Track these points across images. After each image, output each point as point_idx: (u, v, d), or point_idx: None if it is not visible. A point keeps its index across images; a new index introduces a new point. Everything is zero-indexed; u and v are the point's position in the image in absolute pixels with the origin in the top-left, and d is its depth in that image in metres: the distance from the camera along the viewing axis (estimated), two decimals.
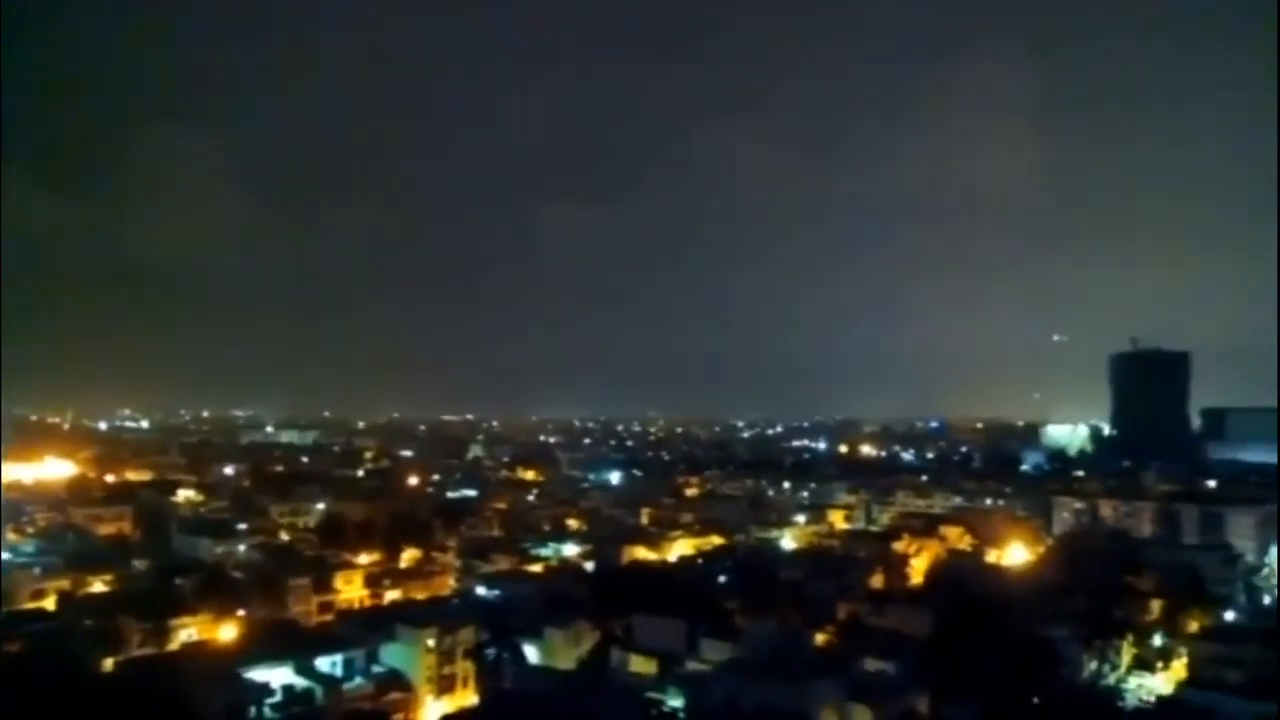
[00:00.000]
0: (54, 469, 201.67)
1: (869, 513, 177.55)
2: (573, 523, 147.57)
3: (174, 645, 73.64)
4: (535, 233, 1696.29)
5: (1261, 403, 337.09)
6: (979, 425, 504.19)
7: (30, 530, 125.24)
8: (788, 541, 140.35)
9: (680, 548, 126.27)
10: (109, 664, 66.11)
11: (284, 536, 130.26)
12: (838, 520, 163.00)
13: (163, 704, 53.46)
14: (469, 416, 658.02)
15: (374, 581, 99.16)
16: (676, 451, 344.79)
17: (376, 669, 68.62)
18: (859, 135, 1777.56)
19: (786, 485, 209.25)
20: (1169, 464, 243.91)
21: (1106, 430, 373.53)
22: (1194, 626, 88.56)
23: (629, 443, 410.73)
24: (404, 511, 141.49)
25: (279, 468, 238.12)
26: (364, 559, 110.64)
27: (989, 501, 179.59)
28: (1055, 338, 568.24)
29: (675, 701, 60.29)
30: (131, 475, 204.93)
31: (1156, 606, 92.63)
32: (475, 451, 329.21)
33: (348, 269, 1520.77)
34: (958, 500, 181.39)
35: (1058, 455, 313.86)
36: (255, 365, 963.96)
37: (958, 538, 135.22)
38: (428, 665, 69.41)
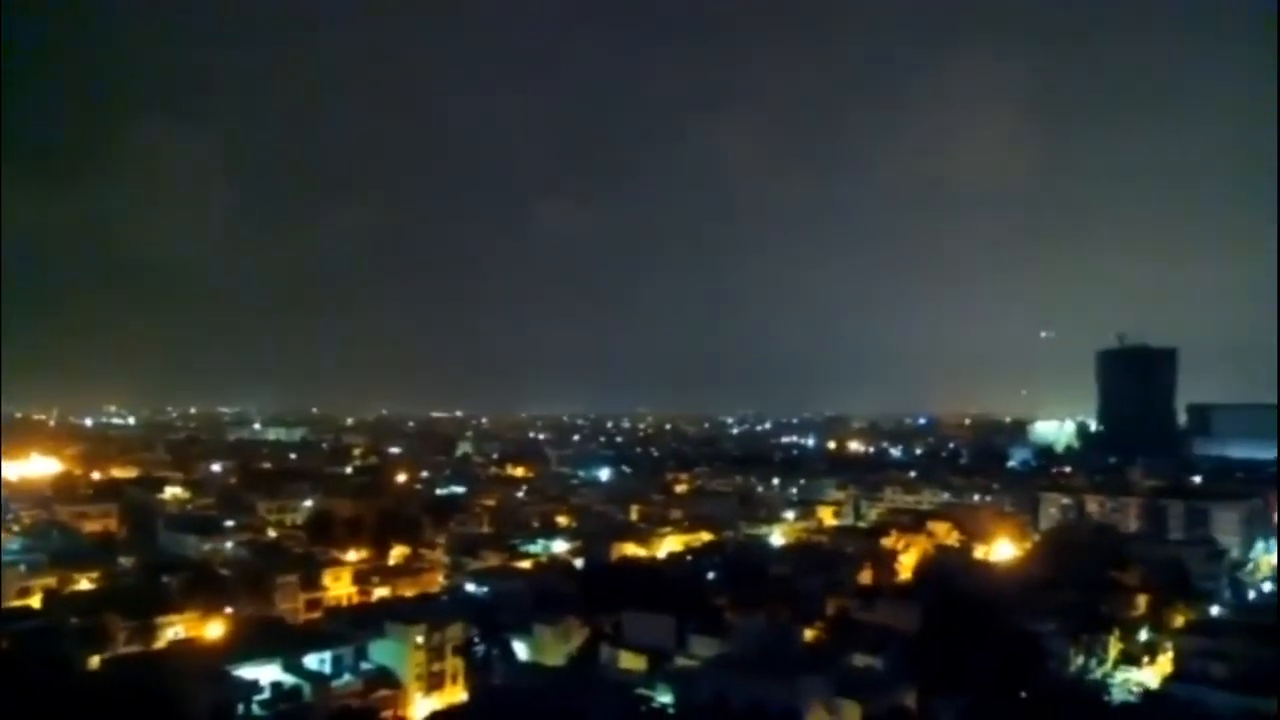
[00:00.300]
0: (40, 466, 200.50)
1: (858, 509, 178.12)
2: (562, 519, 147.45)
3: (161, 643, 73.27)
4: (525, 230, 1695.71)
5: (1247, 399, 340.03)
6: (967, 421, 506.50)
7: (16, 528, 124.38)
8: (777, 537, 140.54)
9: (670, 544, 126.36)
10: (95, 662, 65.86)
11: (272, 534, 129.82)
12: (827, 516, 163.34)
13: (150, 702, 53.22)
14: (458, 413, 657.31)
15: (362, 578, 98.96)
16: (666, 448, 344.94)
17: (365, 666, 68.48)
18: (849, 132, 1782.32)
19: (776, 481, 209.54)
20: (1155, 460, 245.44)
21: (1093, 426, 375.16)
22: (1180, 621, 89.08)
23: (618, 439, 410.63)
24: (393, 508, 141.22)
25: (266, 465, 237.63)
26: (352, 556, 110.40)
27: (977, 497, 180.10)
28: (1043, 334, 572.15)
29: (665, 698, 60.36)
30: (118, 472, 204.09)
31: (1142, 601, 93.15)
32: (464, 448, 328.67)
33: (336, 266, 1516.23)
34: (946, 496, 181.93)
35: (1045, 451, 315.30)
36: (243, 362, 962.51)
37: (945, 533, 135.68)
38: (417, 662, 69.30)
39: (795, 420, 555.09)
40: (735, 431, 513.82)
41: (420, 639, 69.76)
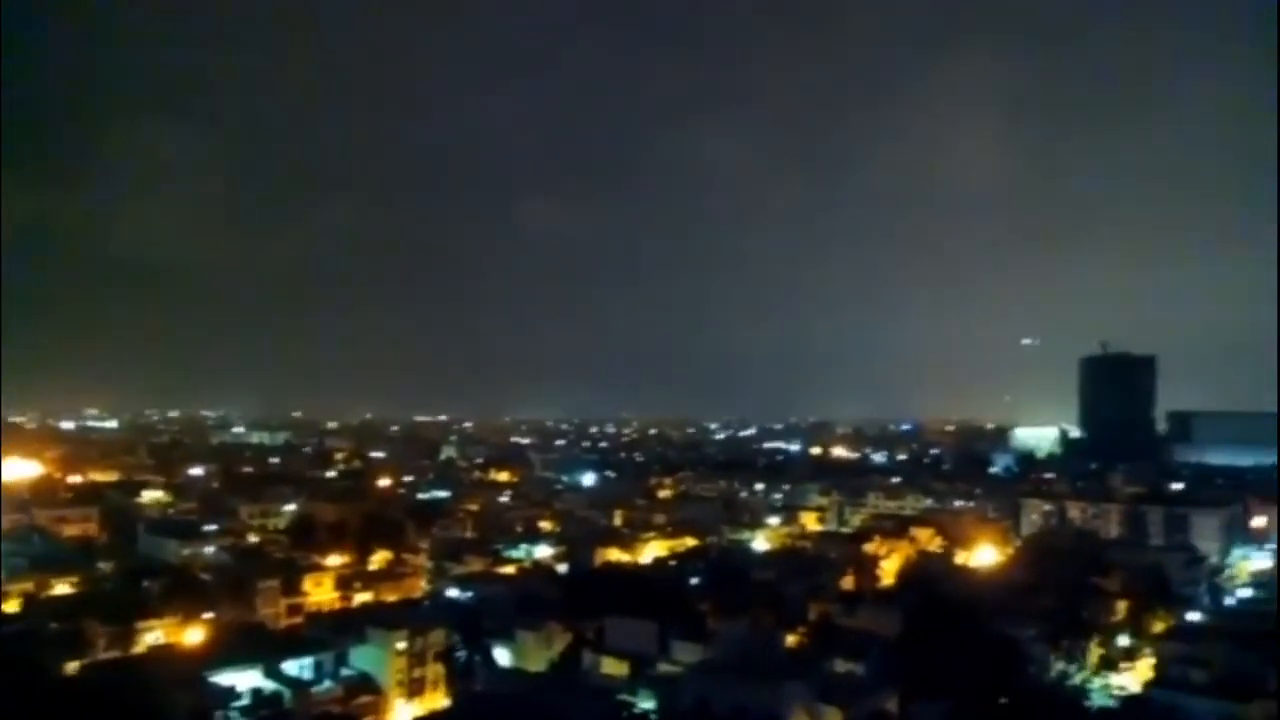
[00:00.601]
0: (19, 469, 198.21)
1: (841, 514, 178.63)
2: (546, 524, 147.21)
3: (140, 648, 72.86)
4: (511, 233, 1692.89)
5: (1226, 406, 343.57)
6: (950, 427, 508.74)
7: None
8: (760, 543, 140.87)
9: (653, 549, 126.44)
10: (74, 667, 65.19)
11: (253, 538, 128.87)
12: (810, 521, 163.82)
13: (128, 708, 52.83)
14: (442, 417, 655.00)
15: (344, 584, 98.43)
16: (650, 453, 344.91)
17: (346, 672, 68.16)
18: (833, 138, 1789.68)
19: (759, 486, 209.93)
20: (1136, 466, 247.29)
21: (1075, 433, 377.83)
22: (1159, 626, 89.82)
23: (603, 444, 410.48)
24: (375, 513, 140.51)
25: (249, 468, 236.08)
26: (334, 561, 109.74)
27: (959, 503, 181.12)
28: (1025, 341, 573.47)
29: (647, 703, 60.36)
30: (98, 476, 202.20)
31: (1122, 607, 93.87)
32: (448, 452, 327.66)
33: (322, 268, 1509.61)
34: (928, 502, 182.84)
35: (1027, 457, 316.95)
36: (226, 365, 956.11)
37: (928, 539, 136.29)
38: (398, 668, 69.00)
39: (779, 426, 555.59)
40: (720, 437, 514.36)
41: (402, 645, 69.47)
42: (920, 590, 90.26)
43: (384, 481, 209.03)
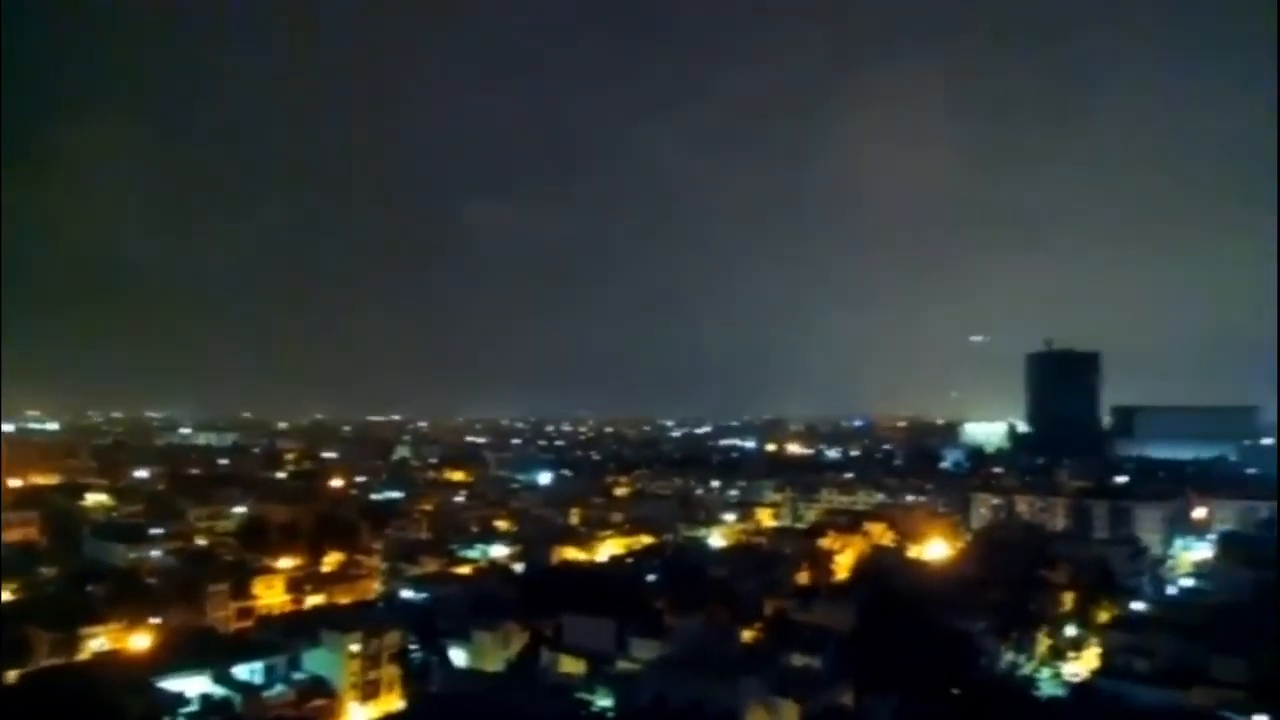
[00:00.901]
0: None
1: (795, 510, 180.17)
2: (502, 524, 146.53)
3: (85, 655, 71.02)
4: (462, 232, 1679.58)
5: (1167, 401, 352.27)
6: (901, 424, 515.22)
7: None
8: (716, 539, 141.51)
9: (610, 547, 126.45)
10: (14, 676, 63.45)
11: (201, 541, 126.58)
12: (765, 518, 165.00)
13: (73, 716, 51.56)
14: (395, 417, 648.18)
15: (296, 586, 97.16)
16: (606, 451, 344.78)
17: (298, 676, 67.18)
18: (782, 137, 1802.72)
19: (715, 484, 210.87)
20: (1081, 460, 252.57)
21: (1022, 428, 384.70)
22: (1105, 617, 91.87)
23: (558, 443, 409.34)
24: (328, 514, 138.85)
25: (196, 470, 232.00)
26: (286, 563, 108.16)
27: (910, 498, 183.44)
28: (974, 338, 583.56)
29: (605, 701, 60.44)
30: (39, 479, 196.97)
31: (1069, 598, 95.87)
32: (402, 453, 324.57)
33: (268, 267, 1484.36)
34: (881, 497, 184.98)
35: (976, 452, 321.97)
36: (171, 366, 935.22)
37: (881, 533, 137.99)
38: (352, 671, 68.17)
39: (735, 423, 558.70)
40: (676, 435, 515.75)
41: (355, 647, 68.63)
42: (873, 585, 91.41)
43: (336, 482, 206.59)
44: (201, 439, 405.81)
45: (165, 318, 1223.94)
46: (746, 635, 77.83)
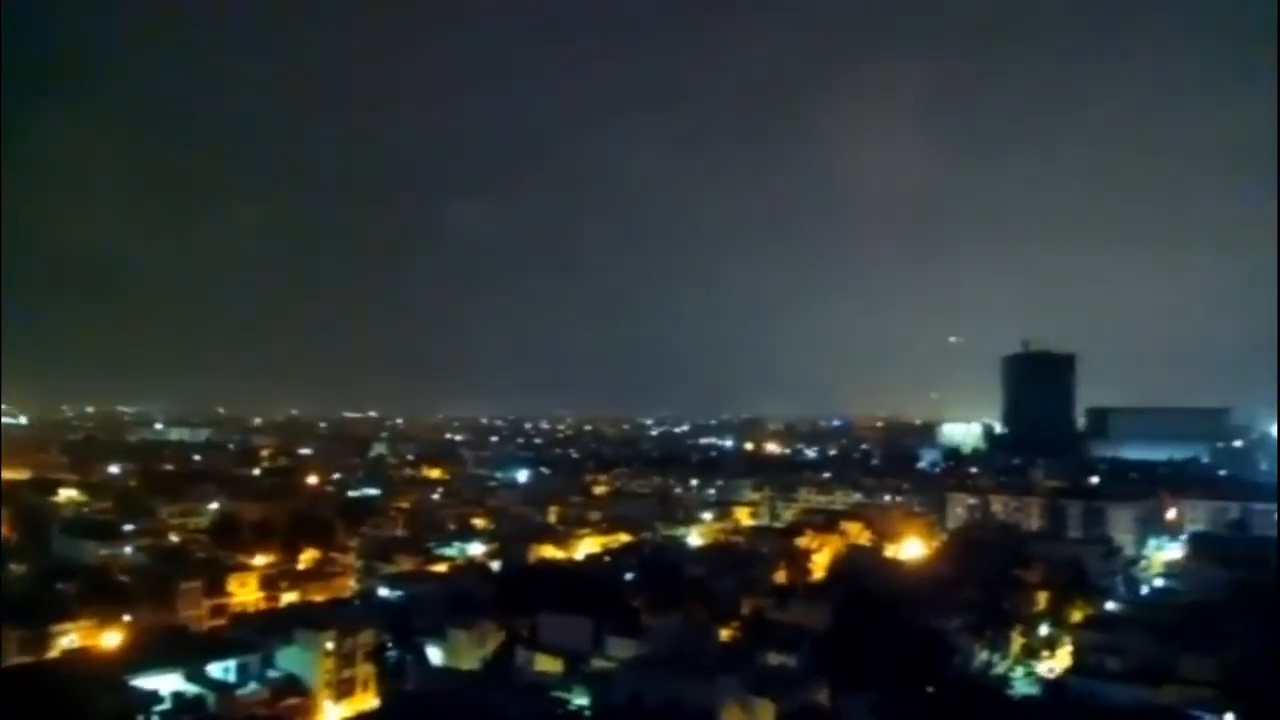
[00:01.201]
0: None
1: (773, 509, 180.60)
2: (479, 521, 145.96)
3: (54, 653, 70.18)
4: (441, 228, 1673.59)
5: (1140, 403, 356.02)
6: (879, 423, 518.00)
7: None
8: (694, 538, 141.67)
9: (588, 546, 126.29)
10: None
11: (174, 538, 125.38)
12: (743, 517, 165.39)
13: (43, 714, 50.85)
14: (372, 414, 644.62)
15: (270, 584, 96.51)
16: (585, 449, 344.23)
17: (272, 674, 66.61)
18: (761, 135, 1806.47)
19: (694, 483, 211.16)
20: (1056, 461, 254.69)
21: (998, 428, 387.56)
22: (1078, 616, 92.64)
23: (537, 441, 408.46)
24: (303, 511, 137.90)
25: (169, 466, 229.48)
26: (260, 561, 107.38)
27: (888, 497, 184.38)
28: (951, 339, 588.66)
29: (581, 700, 60.32)
30: (8, 474, 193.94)
31: (1043, 597, 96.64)
32: (379, 450, 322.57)
33: (244, 263, 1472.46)
34: (858, 496, 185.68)
35: (953, 452, 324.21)
36: (144, 360, 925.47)
37: (858, 533, 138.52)
38: (326, 669, 67.66)
39: (713, 422, 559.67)
40: (654, 433, 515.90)
41: (330, 645, 68.11)
42: (850, 584, 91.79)
43: (312, 479, 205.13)
44: (175, 434, 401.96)
45: (139, 312, 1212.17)
46: (724, 634, 77.88)
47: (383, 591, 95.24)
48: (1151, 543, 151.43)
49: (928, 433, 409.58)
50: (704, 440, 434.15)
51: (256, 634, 70.47)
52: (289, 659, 67.61)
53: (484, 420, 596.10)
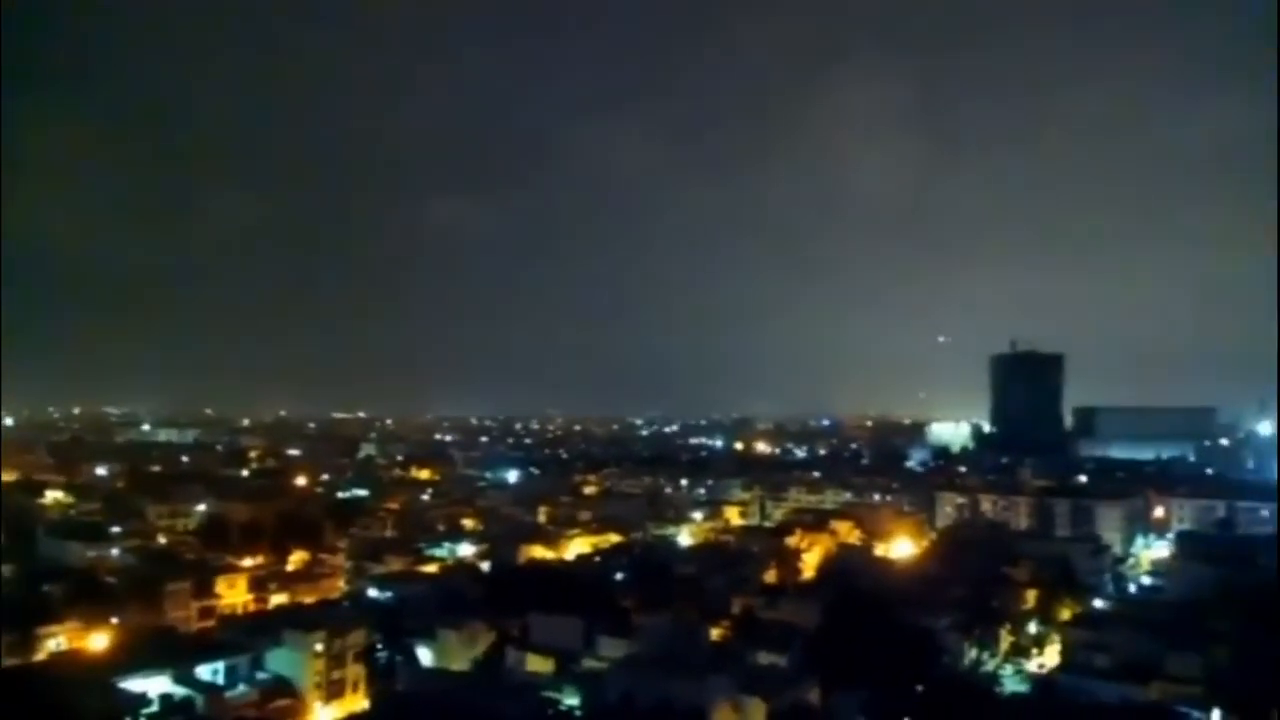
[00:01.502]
0: None
1: (763, 508, 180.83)
2: (469, 522, 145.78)
3: (42, 655, 69.84)
4: (431, 228, 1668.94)
5: (1127, 402, 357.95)
6: (868, 423, 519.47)
7: None
8: (685, 538, 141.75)
9: (578, 546, 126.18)
10: None
11: (162, 539, 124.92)
12: (733, 516, 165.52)
13: (30, 717, 50.53)
14: (361, 415, 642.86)
15: (259, 585, 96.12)
16: (575, 449, 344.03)
17: (261, 675, 66.42)
18: (751, 137, 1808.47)
19: (684, 482, 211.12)
20: (1044, 460, 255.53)
21: (987, 428, 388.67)
22: (1066, 614, 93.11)
23: (527, 441, 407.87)
24: (292, 512, 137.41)
25: (157, 467, 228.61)
26: (248, 562, 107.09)
27: (877, 497, 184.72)
28: (940, 339, 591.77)
29: (572, 699, 60.29)
30: None
31: (1032, 595, 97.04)
32: (368, 450, 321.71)
33: (232, 263, 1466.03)
34: (847, 495, 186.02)
35: (941, 452, 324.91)
36: (131, 361, 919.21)
37: (847, 532, 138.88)
38: (316, 670, 67.46)
39: (703, 422, 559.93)
40: (644, 433, 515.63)
41: (320, 646, 67.91)
42: (840, 582, 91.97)
43: (300, 480, 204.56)
44: (162, 435, 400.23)
45: (127, 313, 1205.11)
46: (714, 633, 78.03)
47: (372, 592, 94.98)
48: (1139, 541, 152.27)
49: (916, 432, 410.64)
50: (694, 440, 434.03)
51: (245, 635, 70.32)
52: (278, 660, 67.42)
53: (474, 420, 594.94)
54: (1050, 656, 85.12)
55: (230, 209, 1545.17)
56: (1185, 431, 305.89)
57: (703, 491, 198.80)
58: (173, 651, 65.81)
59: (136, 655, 63.44)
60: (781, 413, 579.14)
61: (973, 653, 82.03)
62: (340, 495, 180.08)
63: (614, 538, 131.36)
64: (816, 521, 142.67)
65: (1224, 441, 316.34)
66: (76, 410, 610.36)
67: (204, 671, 63.35)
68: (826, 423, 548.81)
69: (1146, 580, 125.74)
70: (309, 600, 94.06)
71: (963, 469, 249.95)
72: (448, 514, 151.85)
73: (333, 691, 68.23)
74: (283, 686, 66.20)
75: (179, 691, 60.14)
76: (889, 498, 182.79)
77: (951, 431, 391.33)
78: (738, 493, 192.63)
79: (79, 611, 76.76)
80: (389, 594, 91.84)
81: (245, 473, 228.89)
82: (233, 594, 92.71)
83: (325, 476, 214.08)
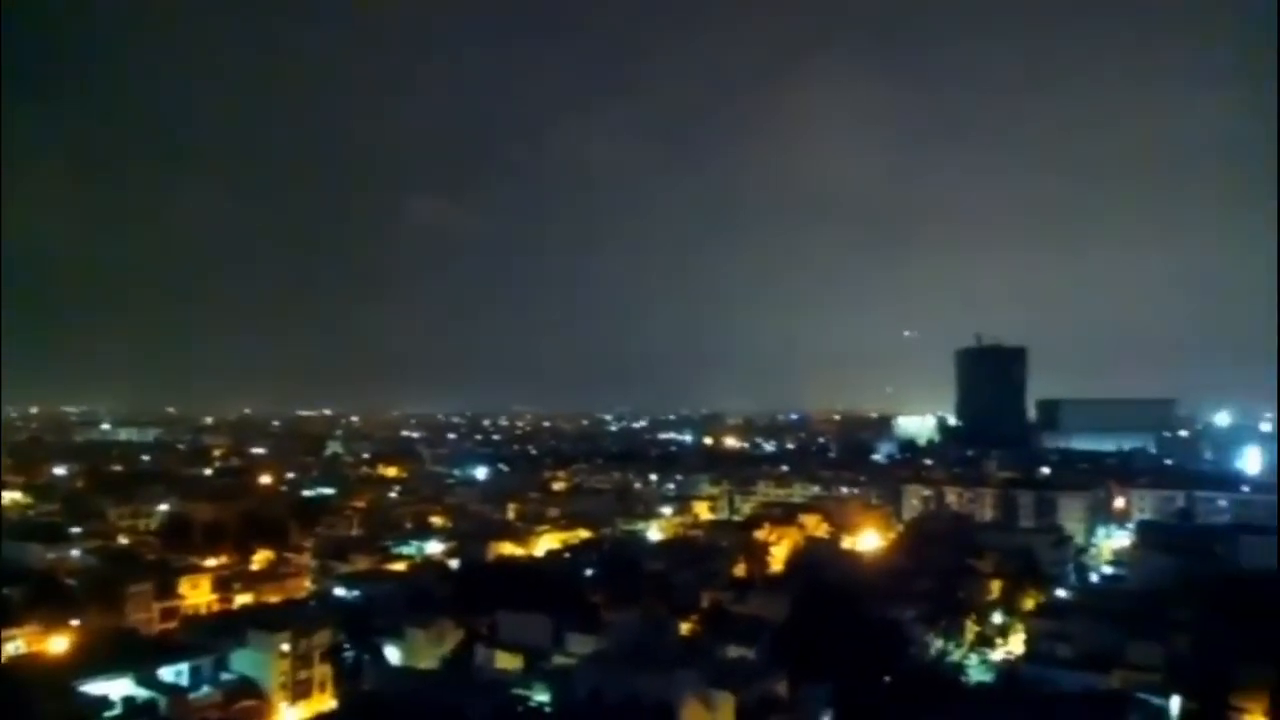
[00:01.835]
0: None
1: (732, 503, 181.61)
2: (437, 519, 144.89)
3: (1, 658, 68.39)
4: (396, 224, 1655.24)
5: (1089, 394, 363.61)
6: (835, 417, 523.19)
7: None
8: (654, 533, 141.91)
9: (547, 542, 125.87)
10: None
11: (123, 540, 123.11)
12: (702, 511, 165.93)
13: None
14: (327, 412, 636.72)
15: (223, 585, 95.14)
16: (544, 445, 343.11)
17: (226, 676, 65.72)
18: (718, 134, 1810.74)
19: (653, 478, 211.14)
20: (1008, 452, 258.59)
21: (953, 421, 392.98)
22: (1030, 604, 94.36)
23: (496, 437, 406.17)
24: (256, 511, 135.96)
25: (117, 467, 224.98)
26: (212, 562, 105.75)
27: (844, 490, 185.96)
28: (906, 333, 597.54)
29: (541, 696, 60.18)
30: None
31: (996, 586, 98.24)
32: (334, 448, 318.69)
33: (193, 258, 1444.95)
34: (816, 489, 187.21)
35: (908, 445, 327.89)
36: (91, 358, 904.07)
37: (815, 525, 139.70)
38: (281, 670, 66.86)
39: (672, 417, 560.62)
40: (613, 429, 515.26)
41: (285, 646, 67.32)
42: (808, 575, 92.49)
43: (265, 479, 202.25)
44: (123, 434, 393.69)
45: (85, 310, 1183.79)
46: (683, 628, 78.23)
47: (339, 591, 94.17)
48: (1100, 531, 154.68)
49: (883, 426, 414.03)
50: (663, 435, 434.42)
51: (209, 636, 69.59)
52: (243, 661, 66.75)
53: (441, 417, 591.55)
54: (1015, 646, 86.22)
55: (193, 205, 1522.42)
56: (1145, 423, 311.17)
57: (672, 487, 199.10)
58: (135, 653, 65.03)
59: (98, 658, 62.60)
60: (750, 408, 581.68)
61: (939, 643, 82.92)
62: (306, 494, 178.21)
63: (583, 534, 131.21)
64: (785, 515, 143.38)
65: (1183, 433, 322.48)
66: (34, 410, 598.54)
67: (167, 673, 62.56)
68: (795, 417, 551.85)
69: (1108, 570, 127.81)
70: (274, 600, 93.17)
71: (929, 462, 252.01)
72: (415, 511, 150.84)
73: (299, 692, 67.67)
74: (248, 687, 65.55)
75: (141, 694, 59.38)
76: (856, 491, 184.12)
77: (918, 425, 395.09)
78: (707, 487, 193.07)
79: (38, 614, 75.60)
80: (356, 593, 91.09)
81: (208, 471, 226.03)
82: (196, 594, 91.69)
83: (290, 475, 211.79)
